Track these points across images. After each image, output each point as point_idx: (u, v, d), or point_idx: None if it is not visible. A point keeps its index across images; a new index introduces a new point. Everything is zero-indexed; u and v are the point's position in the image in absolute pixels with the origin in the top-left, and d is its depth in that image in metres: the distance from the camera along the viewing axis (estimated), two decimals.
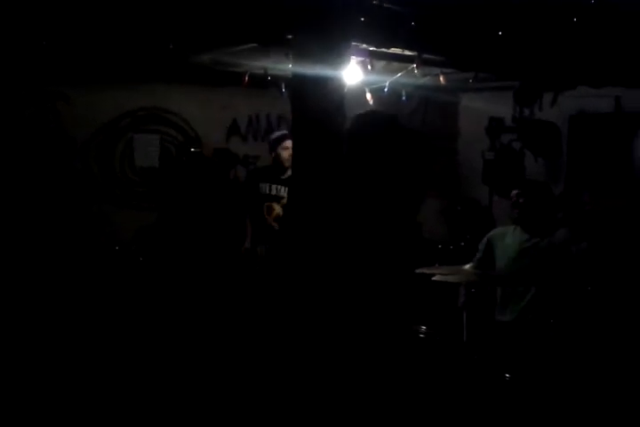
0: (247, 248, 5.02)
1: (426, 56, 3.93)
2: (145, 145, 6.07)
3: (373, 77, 4.55)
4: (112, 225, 5.58)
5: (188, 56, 4.62)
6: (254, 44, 4.09)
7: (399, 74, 4.44)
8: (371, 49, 3.85)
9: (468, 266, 3.73)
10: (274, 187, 4.96)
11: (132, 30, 3.95)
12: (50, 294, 4.56)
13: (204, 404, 3.43)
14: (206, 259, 5.48)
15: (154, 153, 6.14)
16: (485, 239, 4.03)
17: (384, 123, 4.70)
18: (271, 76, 4.67)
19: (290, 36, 3.40)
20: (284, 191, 4.86)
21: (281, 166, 4.91)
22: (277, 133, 5.22)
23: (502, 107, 6.14)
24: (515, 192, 3.89)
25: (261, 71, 4.67)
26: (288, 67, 4.02)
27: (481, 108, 6.19)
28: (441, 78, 4.49)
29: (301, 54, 3.25)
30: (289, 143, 4.58)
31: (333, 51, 3.13)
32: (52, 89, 5.36)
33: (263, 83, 4.77)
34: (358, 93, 4.78)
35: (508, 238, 3.89)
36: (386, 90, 4.77)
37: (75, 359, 3.83)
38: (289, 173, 4.72)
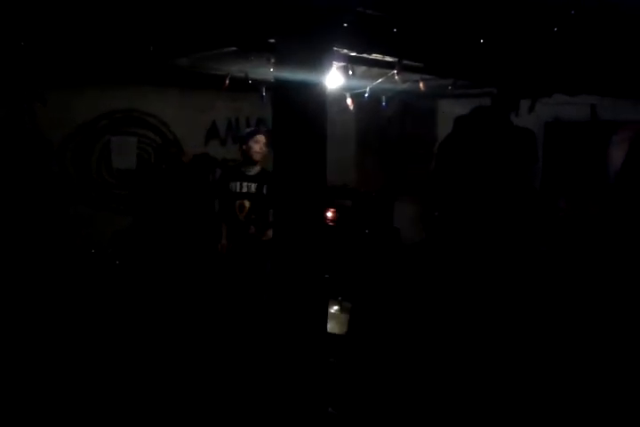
0: (224, 245, 5.04)
1: (406, 62, 3.96)
2: (122, 147, 6.02)
3: (354, 83, 4.58)
4: (88, 228, 5.52)
5: (169, 58, 4.60)
6: (235, 48, 4.08)
7: (380, 80, 4.46)
8: (352, 54, 3.86)
9: None
10: (244, 184, 5.05)
11: (111, 32, 3.92)
12: (24, 297, 4.48)
13: (188, 404, 3.41)
14: (182, 261, 5.45)
15: (131, 155, 6.09)
16: None
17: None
18: (252, 80, 4.66)
19: (272, 41, 3.40)
20: (254, 188, 4.98)
21: (250, 161, 5.03)
22: (249, 129, 5.44)
23: None
24: None
25: (242, 75, 4.66)
26: (269, 71, 4.03)
27: (459, 114, 6.24)
28: (420, 85, 4.53)
29: (283, 59, 3.25)
30: (261, 137, 4.95)
31: (316, 56, 3.13)
32: (28, 90, 5.29)
33: (243, 86, 4.76)
34: (339, 99, 4.80)
35: None
36: (366, 95, 4.79)
37: (49, 362, 3.78)
38: (257, 168, 4.92)
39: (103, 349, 4.06)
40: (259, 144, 4.95)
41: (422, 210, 6.68)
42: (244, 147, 5.06)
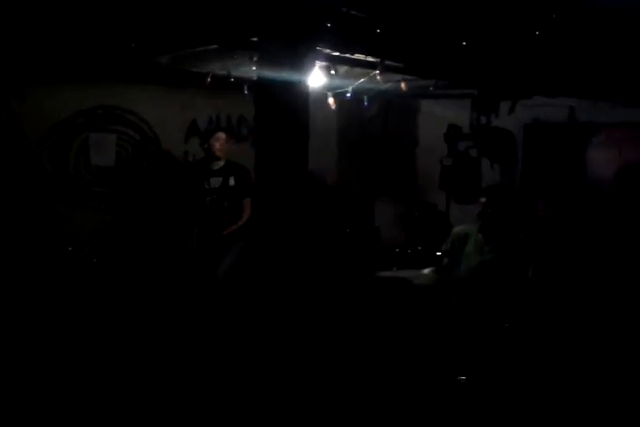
0: (194, 242, 5.15)
1: (388, 63, 3.98)
2: (101, 144, 5.95)
3: (336, 82, 4.59)
4: (66, 225, 5.45)
5: (150, 56, 4.56)
6: (217, 46, 4.06)
7: (362, 79, 4.48)
8: (334, 54, 3.87)
9: (427, 270, 3.76)
10: (212, 180, 5.17)
11: (93, 28, 3.88)
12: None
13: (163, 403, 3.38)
14: (157, 259, 5.43)
15: (110, 152, 6.03)
16: (449, 240, 3.87)
17: None
18: (234, 78, 4.65)
19: (255, 39, 3.40)
20: (220, 182, 5.14)
21: (213, 157, 5.16)
22: (209, 127, 5.90)
23: (461, 114, 6.27)
24: (483, 200, 3.65)
25: (224, 73, 4.65)
26: (251, 69, 4.02)
27: (440, 114, 6.30)
28: (402, 85, 4.56)
29: (266, 58, 3.26)
30: (221, 135, 5.17)
31: (298, 55, 3.14)
32: (5, 86, 5.20)
33: (225, 84, 4.74)
34: (320, 98, 4.80)
35: (469, 245, 3.78)
36: (348, 95, 4.81)
37: (22, 362, 3.73)
38: (221, 162, 5.12)
39: (81, 347, 4.02)
40: (219, 141, 5.12)
41: (401, 209, 6.75)
42: (205, 145, 5.21)
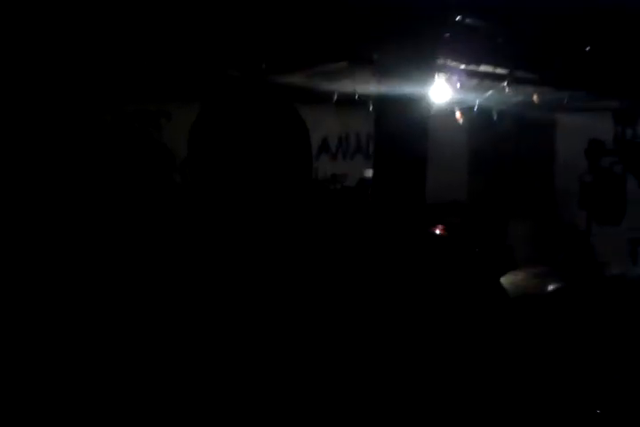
0: None
1: (518, 74, 3.81)
2: None
3: (463, 96, 4.46)
4: None
5: (279, 76, 4.73)
6: (344, 63, 4.13)
7: (489, 92, 4.32)
8: (460, 67, 3.78)
9: None
10: None
11: (225, 51, 4.10)
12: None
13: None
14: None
15: None
16: None
17: None
18: (360, 95, 4.68)
19: (376, 56, 3.41)
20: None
21: None
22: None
23: (603, 127, 5.84)
24: None
25: (350, 90, 4.70)
26: (375, 86, 4.03)
27: (579, 128, 5.91)
28: (534, 97, 4.34)
29: (387, 73, 3.24)
30: None
31: (418, 69, 3.09)
32: (154, 105, 5.67)
33: (352, 102, 4.79)
34: (449, 113, 4.70)
35: None
36: (476, 109, 4.66)
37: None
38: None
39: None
40: None
41: (537, 227, 6.38)
42: None
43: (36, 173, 5.25)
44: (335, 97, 4.62)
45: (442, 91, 4.08)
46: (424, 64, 3.16)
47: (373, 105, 4.32)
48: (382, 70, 3.23)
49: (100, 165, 5.61)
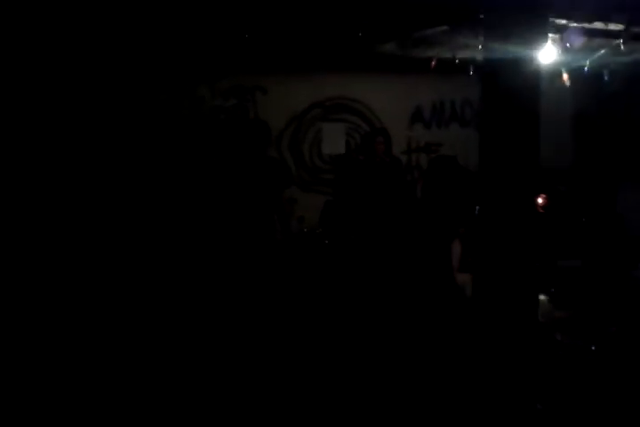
0: None
1: (635, 29, 3.55)
2: (332, 134, 6.25)
3: (571, 56, 4.22)
4: (300, 209, 5.83)
5: (376, 44, 4.65)
6: (443, 27, 4.00)
7: (601, 51, 4.06)
8: (570, 25, 3.57)
9: None
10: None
11: (322, 21, 4.07)
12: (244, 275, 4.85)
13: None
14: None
15: (341, 141, 6.30)
16: None
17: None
18: (459, 60, 4.53)
19: (482, 16, 3.27)
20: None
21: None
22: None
23: None
24: None
25: (449, 55, 4.56)
26: (478, 49, 3.88)
27: None
28: None
29: (494, 34, 3.11)
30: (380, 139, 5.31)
31: (529, 29, 2.94)
32: (251, 82, 5.74)
33: (447, 68, 4.65)
34: (553, 74, 4.47)
35: None
36: (586, 69, 4.39)
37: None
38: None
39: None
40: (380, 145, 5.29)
41: None
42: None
43: (134, 147, 5.47)
44: (434, 63, 4.49)
45: (548, 51, 3.88)
46: (535, 22, 3.00)
47: (478, 68, 4.17)
48: (490, 30, 3.09)
49: (199, 140, 5.79)
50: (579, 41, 3.97)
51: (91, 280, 4.65)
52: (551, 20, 3.28)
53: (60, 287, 4.53)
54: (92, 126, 5.30)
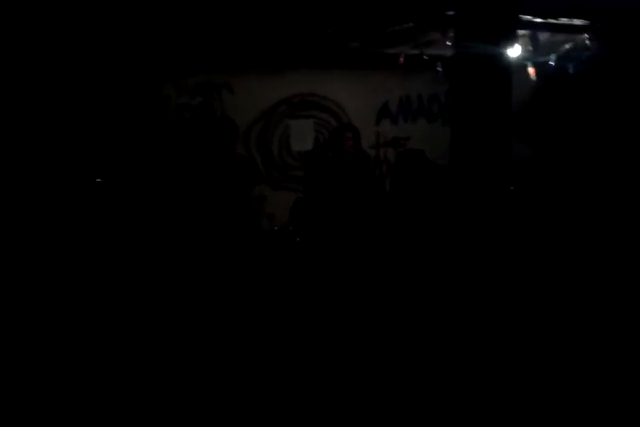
0: None
1: (600, 25, 3.63)
2: (300, 130, 6.23)
3: (538, 51, 4.29)
4: (270, 206, 5.80)
5: (343, 41, 4.65)
6: (409, 25, 4.02)
7: (566, 46, 4.14)
8: (537, 21, 3.62)
9: None
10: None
11: (290, 19, 4.05)
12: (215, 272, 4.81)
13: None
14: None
15: (309, 138, 6.29)
16: None
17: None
18: (427, 56, 4.57)
19: (450, 13, 3.30)
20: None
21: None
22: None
23: None
24: None
25: (416, 51, 4.59)
26: (447, 45, 3.91)
27: None
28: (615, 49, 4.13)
29: (463, 31, 3.14)
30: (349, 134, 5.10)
31: (500, 25, 2.98)
32: (218, 80, 5.68)
33: (415, 64, 4.68)
34: (520, 69, 4.53)
35: None
36: (552, 63, 4.47)
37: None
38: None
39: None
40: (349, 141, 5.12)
41: None
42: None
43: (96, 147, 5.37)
44: (402, 60, 4.52)
45: (518, 46, 3.93)
46: (504, 18, 3.04)
47: (447, 65, 4.21)
48: (460, 27, 3.12)
49: (164, 138, 5.71)
50: (545, 36, 4.05)
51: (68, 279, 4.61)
52: (520, 16, 3.32)
53: (44, 286, 4.49)
54: (58, 125, 5.19)
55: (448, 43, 3.82)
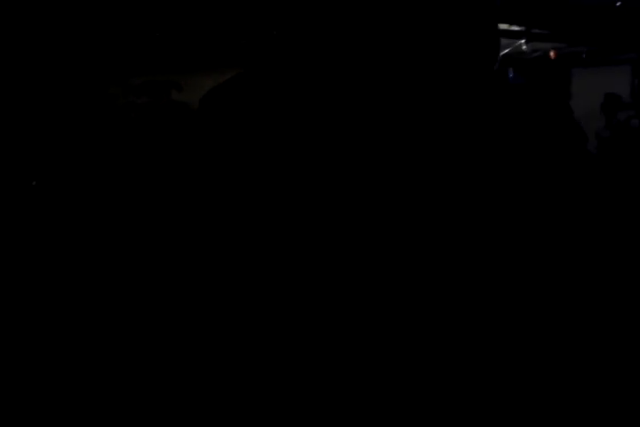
0: None
1: (535, 31, 3.75)
2: None
3: None
4: None
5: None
6: None
7: (506, 50, 4.26)
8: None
9: None
10: None
11: (236, 19, 4.05)
12: None
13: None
14: None
15: None
16: None
17: None
18: None
19: None
20: None
21: None
22: None
23: (620, 81, 5.74)
24: None
25: None
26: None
27: (595, 83, 5.81)
28: (551, 54, 4.27)
29: None
30: None
31: None
32: (167, 76, 5.66)
33: None
34: None
35: None
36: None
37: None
38: None
39: None
40: None
41: None
42: None
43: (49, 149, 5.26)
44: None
45: None
46: None
47: None
48: None
49: (111, 138, 5.64)
50: None
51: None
52: None
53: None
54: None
55: None
